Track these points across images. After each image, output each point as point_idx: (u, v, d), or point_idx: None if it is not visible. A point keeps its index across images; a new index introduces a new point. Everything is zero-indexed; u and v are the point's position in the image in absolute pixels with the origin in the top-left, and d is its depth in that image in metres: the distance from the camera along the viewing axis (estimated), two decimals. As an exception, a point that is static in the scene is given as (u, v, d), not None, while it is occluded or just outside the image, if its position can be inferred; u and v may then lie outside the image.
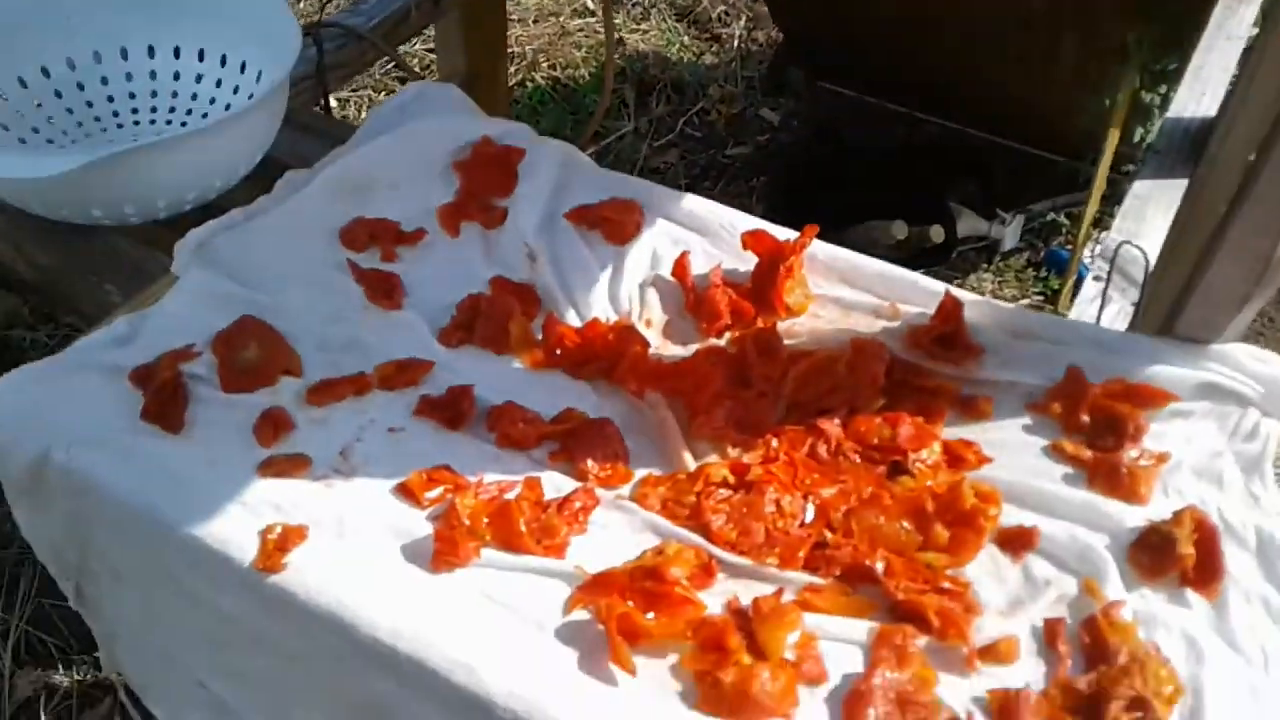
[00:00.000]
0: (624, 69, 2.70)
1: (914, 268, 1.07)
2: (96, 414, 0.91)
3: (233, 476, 0.86)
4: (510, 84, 2.54)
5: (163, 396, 0.90)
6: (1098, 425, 0.93)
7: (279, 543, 0.81)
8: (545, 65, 2.71)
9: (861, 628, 0.80)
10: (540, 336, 1.02)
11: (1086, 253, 2.09)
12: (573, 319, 1.03)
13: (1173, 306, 0.98)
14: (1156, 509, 0.87)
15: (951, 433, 0.94)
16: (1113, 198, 2.22)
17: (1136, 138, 2.01)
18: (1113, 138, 1.75)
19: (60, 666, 1.50)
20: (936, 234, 2.20)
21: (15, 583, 1.59)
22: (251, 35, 1.21)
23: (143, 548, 0.86)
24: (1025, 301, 2.24)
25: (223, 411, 0.92)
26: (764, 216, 1.10)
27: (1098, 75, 2.14)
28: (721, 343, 1.02)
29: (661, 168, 2.48)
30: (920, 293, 1.04)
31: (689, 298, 1.05)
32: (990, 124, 2.50)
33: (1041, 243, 2.39)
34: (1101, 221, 2.23)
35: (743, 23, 2.88)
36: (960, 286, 1.04)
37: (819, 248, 1.07)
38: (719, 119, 2.65)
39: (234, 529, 0.83)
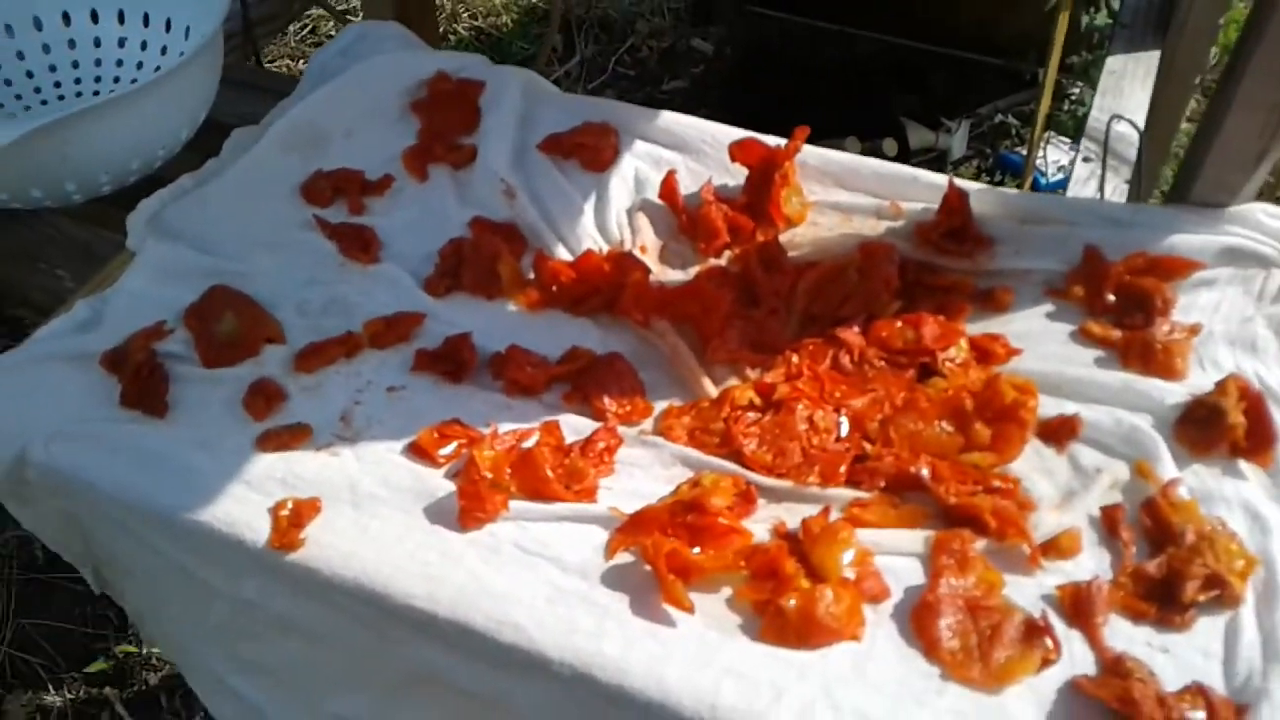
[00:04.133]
0: (547, 13, 2.61)
1: None
2: (71, 406, 0.84)
3: (230, 455, 0.80)
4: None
5: (140, 379, 0.83)
6: (1124, 303, 0.90)
7: (293, 518, 0.76)
8: (466, 16, 2.62)
9: (917, 538, 0.77)
10: (532, 275, 0.96)
11: (1039, 150, 2.08)
12: (563, 254, 0.97)
13: (1184, 172, 0.95)
14: (1196, 382, 0.85)
15: (975, 328, 0.90)
16: (1056, 93, 2.21)
17: (1083, 26, 1.98)
18: (1061, 26, 1.72)
19: (51, 687, 1.43)
20: (890, 147, 2.17)
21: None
22: (174, -10, 1.13)
23: (145, 541, 0.80)
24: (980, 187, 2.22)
25: (207, 388, 0.85)
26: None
27: (1030, -32, 2.11)
28: (722, 262, 0.97)
29: (605, 105, 2.41)
30: (921, 188, 0.99)
31: (682, 219, 1.00)
32: (924, 33, 2.47)
33: (989, 148, 2.37)
34: (1051, 117, 2.21)
35: (663, -48, 2.81)
36: (922, 170, 1.00)
37: (809, 153, 1.02)
38: (651, 54, 2.58)
39: (241, 510, 0.77)
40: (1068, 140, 2.24)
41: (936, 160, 2.30)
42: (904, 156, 2.20)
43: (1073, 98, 2.24)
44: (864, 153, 2.15)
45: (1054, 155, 2.22)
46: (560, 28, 2.56)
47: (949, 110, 2.34)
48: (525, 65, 2.48)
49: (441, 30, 2.56)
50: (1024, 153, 2.21)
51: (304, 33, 2.51)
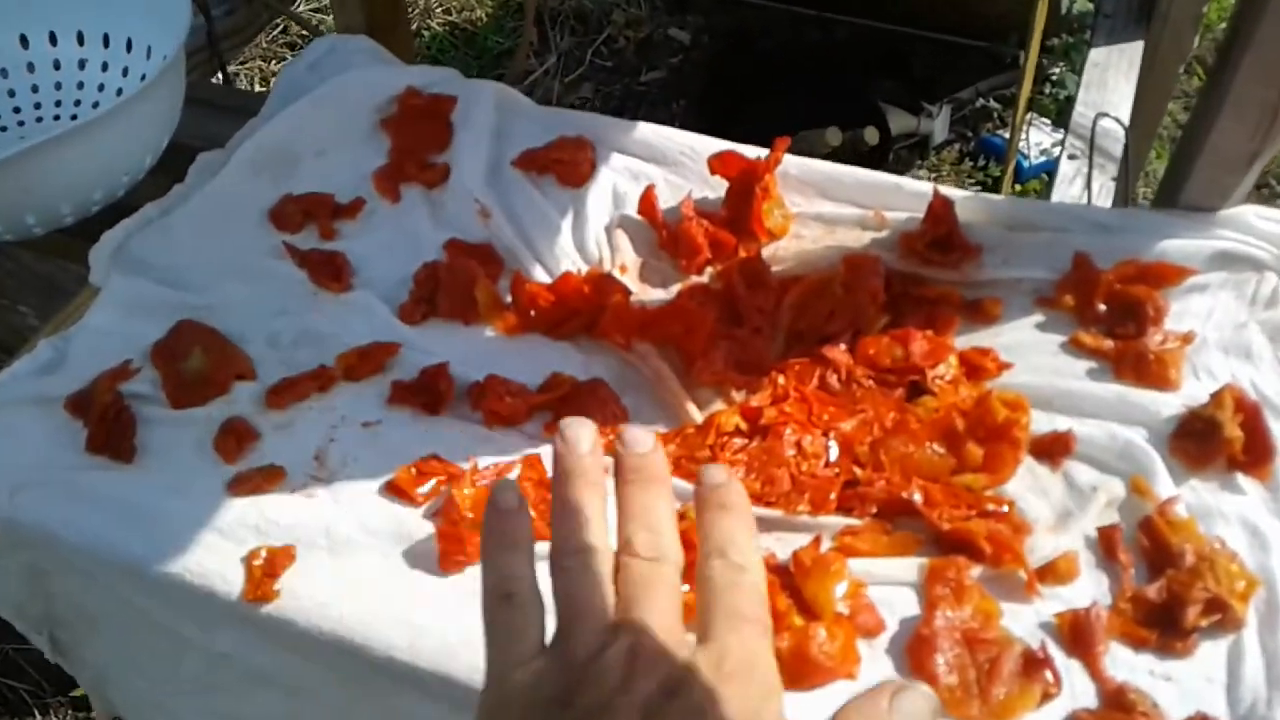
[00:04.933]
0: (521, 5, 2.58)
1: None
2: (35, 453, 0.81)
3: (201, 501, 0.77)
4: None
5: (106, 423, 0.81)
6: (1115, 312, 0.87)
7: (266, 568, 0.73)
8: (440, 11, 2.58)
9: (910, 566, 0.75)
10: (509, 299, 0.93)
11: (1022, 134, 2.05)
12: (541, 275, 0.95)
13: (1172, 175, 0.93)
14: (1190, 393, 0.83)
15: (964, 341, 0.88)
16: (1038, 76, 2.18)
17: (1064, 8, 1.96)
18: (1042, 8, 1.70)
19: (37, 713, 1.40)
20: (871, 135, 2.14)
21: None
22: (133, 9, 1.09)
23: (113, 592, 0.77)
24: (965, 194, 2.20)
25: (176, 431, 0.83)
26: (696, 138, 1.03)
27: (1008, -50, 2.08)
28: (704, 279, 0.95)
29: (577, 104, 2.38)
30: (905, 196, 0.97)
31: (661, 235, 0.97)
32: (902, 16, 2.44)
33: (971, 132, 2.35)
34: (1033, 101, 2.19)
35: (636, -60, 2.77)
36: (905, 177, 0.98)
37: (790, 162, 0.99)
38: (627, 45, 2.55)
39: (214, 560, 0.74)
40: (1049, 122, 2.22)
41: (919, 145, 2.28)
42: (886, 143, 2.17)
43: (1054, 78, 2.22)
44: (845, 141, 2.14)
45: (1036, 138, 2.20)
46: (534, 21, 2.52)
47: (929, 94, 2.31)
48: (501, 60, 2.45)
49: (415, 27, 2.52)
50: (1006, 136, 2.19)
51: (275, 33, 2.47)
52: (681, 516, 0.77)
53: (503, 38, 2.51)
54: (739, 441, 0.82)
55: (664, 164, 1.02)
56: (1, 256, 1.01)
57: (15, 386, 0.85)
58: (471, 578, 0.74)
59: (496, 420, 0.84)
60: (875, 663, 0.70)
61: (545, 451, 0.82)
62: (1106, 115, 1.06)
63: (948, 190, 0.94)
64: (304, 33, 2.46)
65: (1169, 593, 0.72)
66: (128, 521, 0.77)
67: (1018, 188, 2.16)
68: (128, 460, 0.81)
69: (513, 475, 0.80)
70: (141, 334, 0.88)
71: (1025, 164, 2.17)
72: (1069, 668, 0.69)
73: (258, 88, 2.40)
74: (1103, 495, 0.78)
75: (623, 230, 0.98)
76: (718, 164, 0.98)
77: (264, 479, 0.79)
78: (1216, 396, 0.80)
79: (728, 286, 0.92)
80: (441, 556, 0.74)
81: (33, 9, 1.12)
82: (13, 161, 0.89)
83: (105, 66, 1.13)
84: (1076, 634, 0.71)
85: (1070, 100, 1.95)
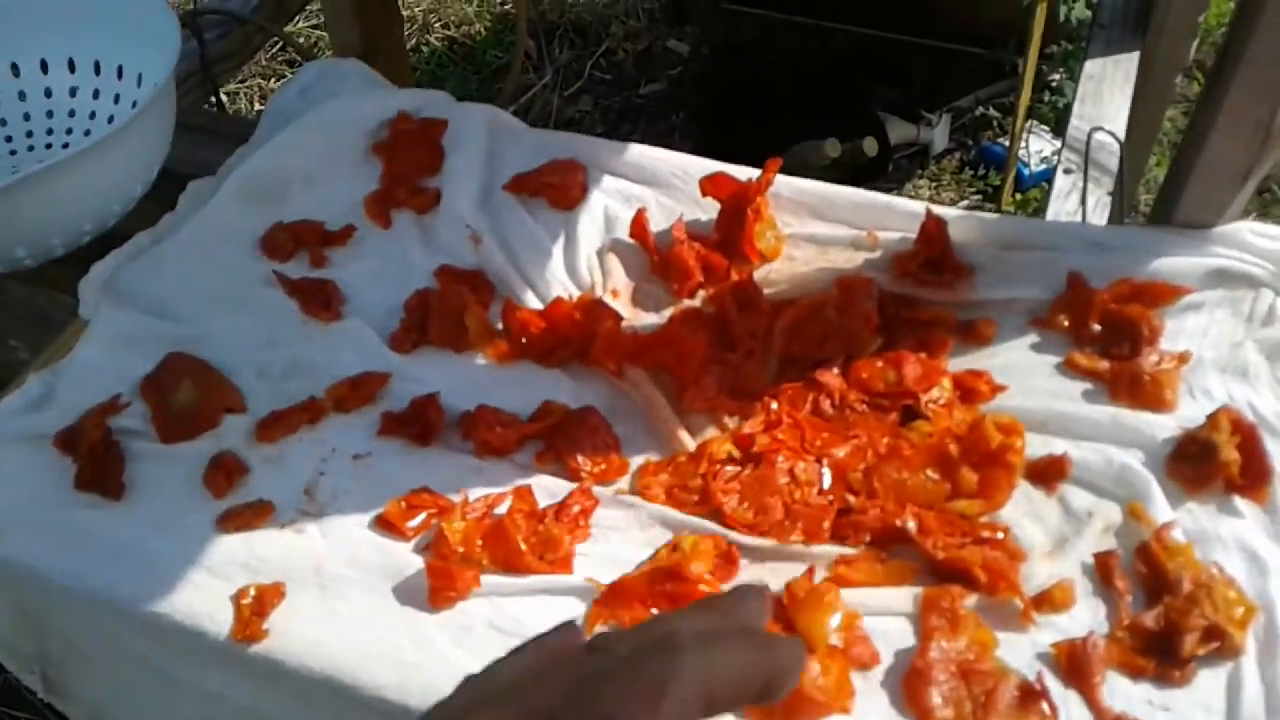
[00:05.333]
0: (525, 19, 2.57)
1: (852, 185, 1.00)
2: (24, 491, 0.81)
3: (190, 539, 0.77)
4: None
5: (95, 459, 0.80)
6: (1110, 332, 0.87)
7: (255, 607, 0.73)
8: (438, 26, 2.58)
9: (905, 596, 0.74)
10: (500, 326, 0.93)
11: (1021, 142, 2.04)
12: (532, 301, 0.94)
13: (1167, 192, 0.92)
14: (1187, 414, 0.82)
15: (957, 363, 0.88)
16: (1037, 83, 2.17)
17: (1061, 16, 1.95)
18: (1040, 16, 1.69)
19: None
20: (870, 146, 2.13)
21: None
22: (124, 36, 1.09)
23: (106, 632, 0.77)
24: (965, 203, 2.19)
25: (165, 466, 0.82)
26: (692, 153, 1.02)
27: (1007, -43, 2.07)
28: (696, 303, 0.94)
29: (576, 117, 2.38)
30: (898, 216, 0.96)
31: (653, 258, 0.97)
32: (901, 24, 2.44)
33: (971, 140, 2.34)
34: (1032, 109, 2.18)
35: (635, -48, 2.77)
36: (902, 198, 0.97)
37: (782, 183, 0.99)
38: (626, 58, 2.55)
39: (202, 599, 0.74)
40: (1049, 129, 2.21)
41: (918, 155, 2.27)
42: (885, 153, 2.16)
43: (1053, 86, 2.21)
44: (845, 152, 2.13)
45: (1036, 145, 2.18)
46: (533, 34, 2.52)
47: (929, 103, 2.31)
48: (500, 74, 2.45)
49: (414, 42, 2.52)
50: (1006, 144, 2.18)
51: (275, 49, 2.47)
52: (674, 548, 0.77)
53: (501, 52, 2.51)
54: (731, 469, 0.81)
55: (655, 186, 1.01)
56: (-8, 288, 1.01)
57: (4, 423, 0.85)
58: (461, 613, 0.73)
59: (487, 451, 0.84)
60: (870, 696, 0.69)
61: (536, 482, 0.82)
62: (1101, 129, 1.06)
63: (941, 210, 0.93)
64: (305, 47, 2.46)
65: (1166, 621, 0.71)
66: (117, 560, 0.76)
67: (1018, 196, 2.15)
68: (117, 497, 0.80)
69: (503, 508, 0.79)
70: (131, 367, 0.88)
71: (1026, 172, 2.16)
72: (1066, 699, 0.69)
73: (257, 105, 2.40)
74: (1099, 520, 0.77)
75: (614, 254, 0.97)
76: (709, 185, 0.97)
77: (253, 515, 0.79)
78: (1213, 418, 0.80)
79: (720, 310, 0.91)
80: (432, 593, 0.74)
81: (23, 37, 1.12)
82: (2, 193, 0.89)
83: (97, 94, 1.13)
84: (1073, 664, 0.70)
85: (1069, 108, 1.94)
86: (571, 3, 2.63)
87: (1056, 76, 2.19)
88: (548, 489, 0.81)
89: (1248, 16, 0.78)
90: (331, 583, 0.75)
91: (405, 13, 2.55)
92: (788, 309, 0.91)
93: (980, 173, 2.26)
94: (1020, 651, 0.71)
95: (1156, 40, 1.24)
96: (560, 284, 0.95)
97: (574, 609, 0.74)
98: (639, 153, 1.03)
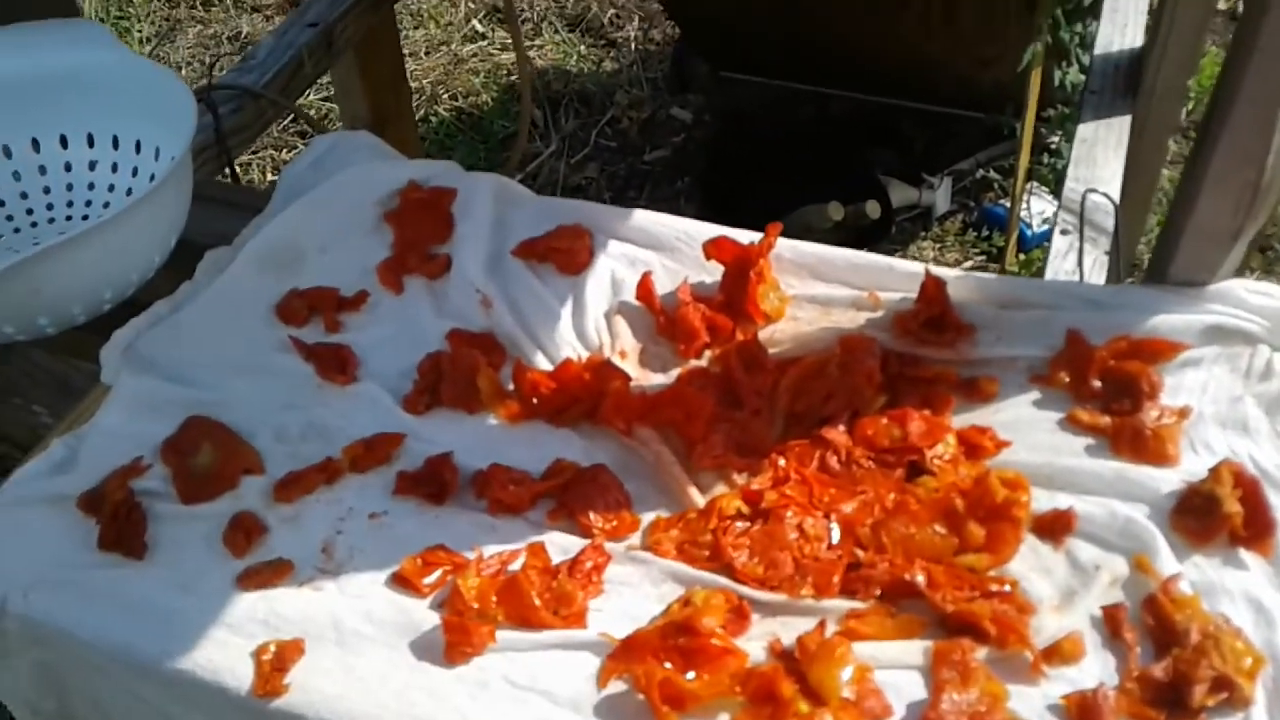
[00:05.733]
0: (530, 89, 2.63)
1: (856, 247, 1.02)
2: (49, 551, 0.82)
3: (211, 597, 0.78)
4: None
5: (118, 521, 0.82)
6: (1110, 388, 0.88)
7: (275, 662, 0.74)
8: (446, 97, 2.64)
9: (916, 649, 0.75)
10: (511, 387, 0.95)
11: (1023, 204, 2.07)
12: (542, 362, 0.96)
13: (1161, 251, 0.95)
14: (1189, 468, 0.83)
15: (961, 420, 0.89)
16: (1036, 145, 2.21)
17: (1056, 80, 1.99)
18: (1035, 82, 1.73)
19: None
20: (873, 209, 2.17)
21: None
22: (142, 111, 1.12)
23: (127, 688, 0.78)
24: (969, 264, 2.22)
25: (186, 526, 0.84)
26: (696, 217, 1.05)
27: (1002, 25, 2.12)
28: (703, 363, 0.96)
29: (583, 184, 2.42)
30: (898, 277, 0.99)
31: (659, 320, 0.99)
32: (899, 90, 2.48)
33: (973, 202, 2.37)
34: (1032, 170, 2.21)
35: (636, 24, 2.83)
36: (902, 259, 1.00)
37: (783, 245, 1.01)
38: (631, 125, 2.60)
39: (223, 655, 0.75)
40: (1049, 191, 2.25)
41: (921, 217, 2.30)
42: (887, 216, 2.20)
43: (1052, 148, 2.25)
44: (848, 215, 2.16)
45: (1037, 206, 2.22)
46: (539, 104, 2.57)
47: (930, 166, 2.34)
48: (507, 143, 2.50)
49: (422, 113, 2.57)
50: (1008, 205, 2.21)
51: (286, 122, 2.52)
52: (686, 603, 0.78)
53: (508, 121, 2.56)
54: (741, 525, 0.83)
55: (660, 250, 1.04)
56: (15, 356, 1.02)
57: (29, 485, 0.87)
58: (478, 668, 0.74)
59: (501, 509, 0.85)
60: (882, 749, 0.70)
61: (549, 539, 0.83)
62: (1095, 191, 1.08)
63: (940, 270, 0.95)
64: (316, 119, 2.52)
65: (1175, 672, 0.72)
66: (139, 619, 0.78)
67: (1022, 256, 2.18)
68: (139, 557, 0.82)
69: (517, 564, 0.80)
70: (152, 431, 0.90)
71: (1029, 233, 2.19)
72: (1078, 750, 0.69)
73: (269, 176, 2.44)
74: (1106, 574, 0.78)
75: (621, 316, 1.00)
76: (713, 249, 1.00)
77: (272, 573, 0.80)
78: (1215, 472, 0.81)
79: (726, 370, 0.93)
80: (448, 648, 0.75)
81: (44, 113, 1.15)
82: (25, 265, 0.92)
83: (115, 167, 1.16)
84: (1084, 715, 0.71)
85: (1067, 170, 1.98)
86: (576, 73, 2.69)
87: (1055, 139, 2.23)
88: (561, 545, 0.82)
89: (1230, 84, 0.81)
90: (350, 639, 0.76)
91: (413, 84, 2.61)
92: (792, 367, 0.93)
93: (984, 234, 2.29)
94: (1031, 703, 0.72)
95: (1147, 103, 1.27)
96: (569, 345, 0.97)
97: (588, 664, 0.75)
98: (643, 218, 1.06)
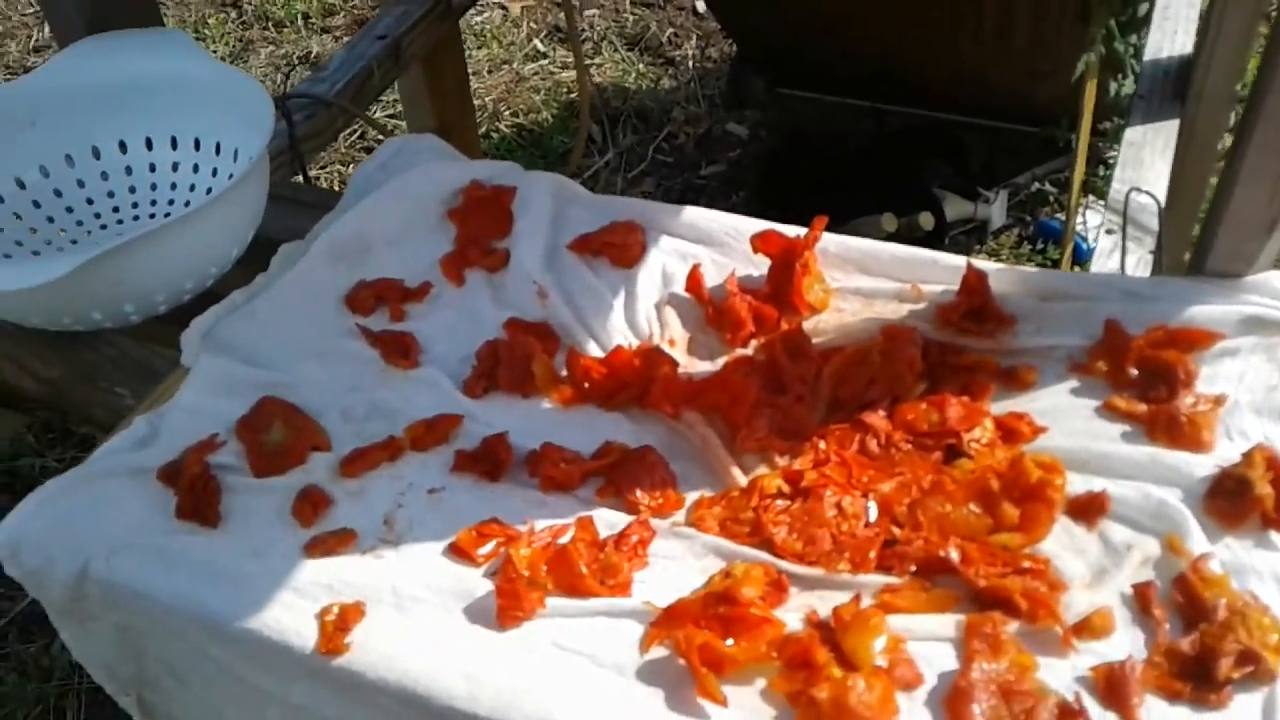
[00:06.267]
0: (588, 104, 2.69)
1: None
2: (130, 520, 0.88)
3: (279, 563, 0.83)
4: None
5: (194, 492, 0.87)
6: (1147, 376, 0.90)
7: (338, 623, 0.78)
8: (507, 114, 2.70)
9: (948, 622, 0.77)
10: (565, 373, 0.99)
11: (1079, 217, 2.08)
12: (594, 350, 1.01)
13: (1200, 244, 0.96)
14: (1223, 453, 0.85)
15: (1000, 407, 0.92)
16: (1092, 158, 2.22)
17: (1111, 92, 2.00)
18: (1090, 93, 1.74)
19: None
20: (926, 221, 2.19)
21: (62, 715, 1.54)
22: (222, 114, 1.19)
23: (199, 649, 0.83)
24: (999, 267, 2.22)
25: (257, 498, 0.89)
26: (750, 225, 1.09)
27: (1055, 38, 2.13)
28: (749, 351, 1.00)
29: (639, 198, 2.46)
30: (940, 270, 1.02)
31: (708, 311, 1.03)
32: (955, 105, 2.50)
33: (1029, 216, 2.38)
34: (1088, 183, 2.22)
35: (694, 42, 2.88)
36: (941, 252, 1.03)
37: (829, 240, 1.05)
38: (687, 141, 2.64)
39: (290, 616, 0.80)
40: (1105, 203, 2.25)
41: (977, 230, 2.32)
42: (940, 230, 2.22)
43: (1110, 162, 2.25)
44: (901, 226, 2.19)
45: (1094, 220, 2.22)
46: (597, 120, 2.63)
47: (986, 180, 2.36)
48: (565, 157, 2.55)
49: (484, 129, 2.64)
50: (1063, 219, 2.22)
51: (353, 138, 2.60)
52: (726, 574, 0.81)
53: (567, 137, 2.62)
54: (781, 503, 0.86)
55: (710, 245, 1.08)
56: (102, 343, 1.09)
57: (112, 459, 0.93)
58: (528, 632, 0.78)
59: (552, 486, 0.89)
60: (913, 714, 0.73)
61: (597, 514, 0.87)
62: (1139, 190, 1.10)
63: (981, 263, 0.98)
64: (379, 137, 2.60)
65: (1202, 646, 0.74)
66: (212, 582, 0.83)
67: (1077, 269, 2.18)
68: (213, 525, 0.87)
69: (566, 537, 0.84)
70: (228, 410, 0.95)
71: (1084, 246, 2.19)
72: None
73: (336, 187, 2.52)
74: (1138, 553, 0.80)
75: (671, 307, 1.03)
76: (760, 242, 1.03)
77: (337, 541, 0.85)
78: (1248, 456, 0.83)
79: (771, 357, 0.97)
80: (500, 612, 0.79)
81: (130, 117, 1.22)
82: (112, 255, 0.98)
83: (196, 168, 1.23)
84: (1111, 687, 0.73)
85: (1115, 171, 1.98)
86: (634, 91, 2.74)
87: (1112, 152, 2.24)
88: (608, 521, 0.86)
89: (1265, 77, 0.83)
90: (408, 603, 0.80)
91: (476, 102, 2.68)
92: (835, 356, 0.96)
93: (1039, 247, 2.29)
94: (1060, 674, 0.74)
95: (1195, 107, 1.29)
96: (621, 334, 1.01)
97: (632, 630, 0.78)
98: (694, 214, 1.10)
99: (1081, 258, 2.22)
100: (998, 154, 2.43)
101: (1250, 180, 0.86)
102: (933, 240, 2.22)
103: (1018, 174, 2.39)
